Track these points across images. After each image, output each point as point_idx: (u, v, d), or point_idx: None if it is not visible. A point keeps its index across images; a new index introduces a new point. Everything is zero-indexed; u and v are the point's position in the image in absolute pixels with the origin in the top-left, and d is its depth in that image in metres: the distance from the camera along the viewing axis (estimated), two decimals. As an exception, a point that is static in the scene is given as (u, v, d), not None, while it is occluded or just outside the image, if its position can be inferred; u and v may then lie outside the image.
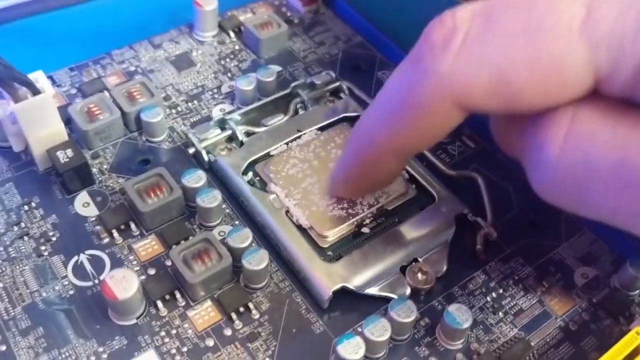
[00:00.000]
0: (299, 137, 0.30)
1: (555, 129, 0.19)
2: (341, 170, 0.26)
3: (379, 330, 0.23)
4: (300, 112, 0.31)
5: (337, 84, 0.32)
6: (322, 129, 0.30)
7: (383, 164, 0.23)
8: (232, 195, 0.28)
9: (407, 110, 0.21)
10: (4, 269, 0.25)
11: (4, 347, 0.23)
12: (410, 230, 0.26)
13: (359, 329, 0.24)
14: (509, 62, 0.18)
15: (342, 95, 0.32)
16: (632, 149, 0.17)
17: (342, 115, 0.31)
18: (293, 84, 0.32)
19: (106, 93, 0.31)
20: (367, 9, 0.36)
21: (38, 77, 0.27)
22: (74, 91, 0.32)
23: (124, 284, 0.23)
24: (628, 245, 0.25)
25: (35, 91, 0.26)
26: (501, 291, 0.26)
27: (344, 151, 0.25)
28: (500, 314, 0.25)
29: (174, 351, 0.24)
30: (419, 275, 0.25)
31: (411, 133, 0.21)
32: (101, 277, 0.25)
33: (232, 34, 0.36)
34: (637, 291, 0.26)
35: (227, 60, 0.35)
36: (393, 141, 0.22)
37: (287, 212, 0.27)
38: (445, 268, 0.26)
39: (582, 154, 0.18)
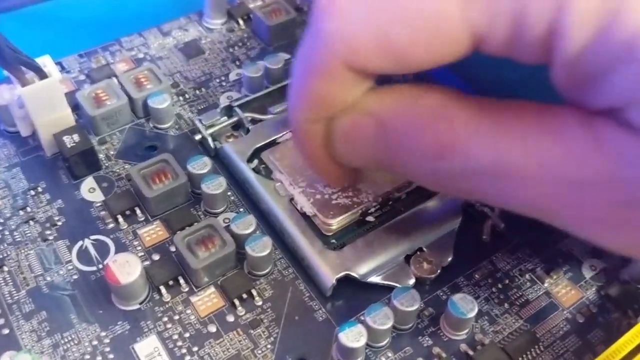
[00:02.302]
0: (306, 125, 0.30)
1: (448, 140, 0.19)
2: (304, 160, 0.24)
3: (381, 318, 0.23)
4: (308, 100, 0.31)
5: (346, 72, 0.32)
6: (329, 117, 0.30)
7: (312, 141, 0.22)
8: (237, 182, 0.28)
9: (307, 77, 0.20)
10: (9, 252, 0.26)
11: (7, 331, 0.24)
12: (415, 220, 0.26)
13: (362, 317, 0.24)
14: (388, 21, 0.18)
15: (350, 83, 0.32)
16: (505, 150, 0.18)
17: (349, 104, 0.30)
18: (301, 72, 0.32)
19: (114, 79, 0.31)
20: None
21: (45, 62, 0.27)
22: (82, 77, 0.32)
23: (127, 269, 0.23)
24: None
25: (43, 75, 0.26)
26: (507, 282, 0.26)
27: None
28: (506, 305, 0.25)
29: (176, 337, 0.24)
30: (424, 264, 0.25)
31: (316, 102, 0.21)
32: (105, 262, 0.25)
33: (241, 22, 0.36)
34: (647, 284, 0.26)
35: (236, 48, 0.34)
36: (305, 111, 0.21)
37: (292, 199, 0.26)
38: (450, 258, 0.25)
39: (470, 159, 0.19)
